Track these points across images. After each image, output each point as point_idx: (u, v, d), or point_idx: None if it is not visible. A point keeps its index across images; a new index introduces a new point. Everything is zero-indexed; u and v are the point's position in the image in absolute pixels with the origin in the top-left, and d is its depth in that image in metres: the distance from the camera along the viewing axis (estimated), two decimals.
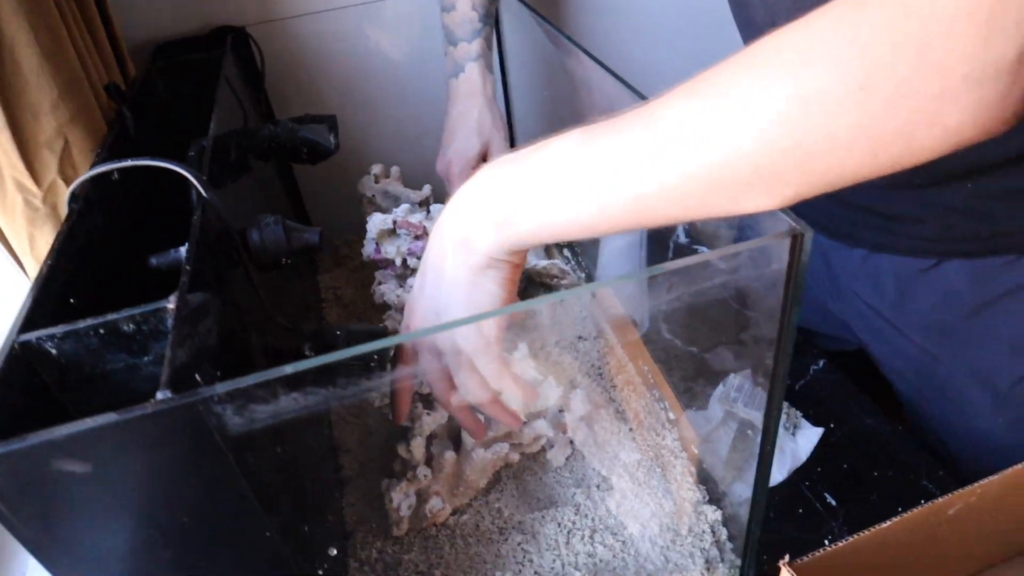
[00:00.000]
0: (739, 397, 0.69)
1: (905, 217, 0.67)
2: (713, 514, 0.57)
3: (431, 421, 0.59)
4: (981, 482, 0.47)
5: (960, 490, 0.46)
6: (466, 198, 0.44)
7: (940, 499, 0.46)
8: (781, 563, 0.44)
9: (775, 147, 0.33)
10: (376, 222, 0.73)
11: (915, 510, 0.46)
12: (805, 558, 0.44)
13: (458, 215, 0.44)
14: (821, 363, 0.74)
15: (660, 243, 0.95)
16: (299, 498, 0.43)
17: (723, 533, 0.57)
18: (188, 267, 0.43)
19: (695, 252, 0.99)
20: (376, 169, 0.83)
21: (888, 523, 0.45)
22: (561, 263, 0.76)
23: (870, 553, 0.46)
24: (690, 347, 0.76)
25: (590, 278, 0.82)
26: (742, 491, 0.62)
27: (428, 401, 0.61)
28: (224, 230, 0.52)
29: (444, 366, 0.49)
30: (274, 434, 0.39)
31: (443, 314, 0.46)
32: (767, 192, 0.35)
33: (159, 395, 0.33)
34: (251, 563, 0.38)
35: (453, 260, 0.44)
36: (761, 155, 0.33)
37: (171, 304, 0.40)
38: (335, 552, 0.44)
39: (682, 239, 1.03)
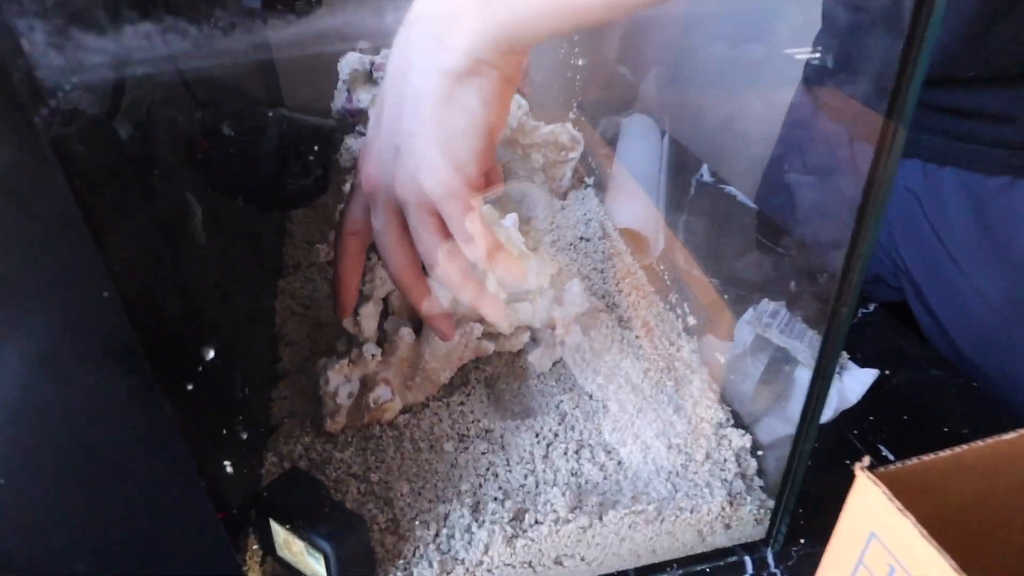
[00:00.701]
0: (773, 323, 0.56)
1: (987, 116, 0.55)
2: (740, 439, 0.44)
3: (388, 279, 0.46)
4: None
5: None
6: None
7: None
8: (857, 467, 0.31)
9: None
10: (351, 61, 0.60)
11: None
12: (890, 466, 0.31)
13: (429, 4, 0.33)
14: (872, 307, 0.62)
15: (682, 183, 0.83)
16: (154, 251, 0.30)
17: (751, 465, 0.43)
18: None
19: (721, 191, 0.86)
20: (362, 44, 0.70)
21: (1010, 435, 0.32)
22: (571, 129, 0.63)
23: (978, 475, 0.33)
24: (712, 277, 0.63)
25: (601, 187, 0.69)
26: (774, 426, 0.49)
27: None
28: None
29: (400, 216, 0.37)
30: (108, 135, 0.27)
31: (404, 146, 0.34)
32: None
33: None
34: (77, 315, 0.25)
35: (421, 67, 0.32)
36: None
37: None
38: (212, 355, 0.30)
39: (706, 177, 0.90)
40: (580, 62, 0.78)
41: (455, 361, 0.48)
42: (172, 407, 0.27)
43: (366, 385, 0.47)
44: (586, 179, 0.70)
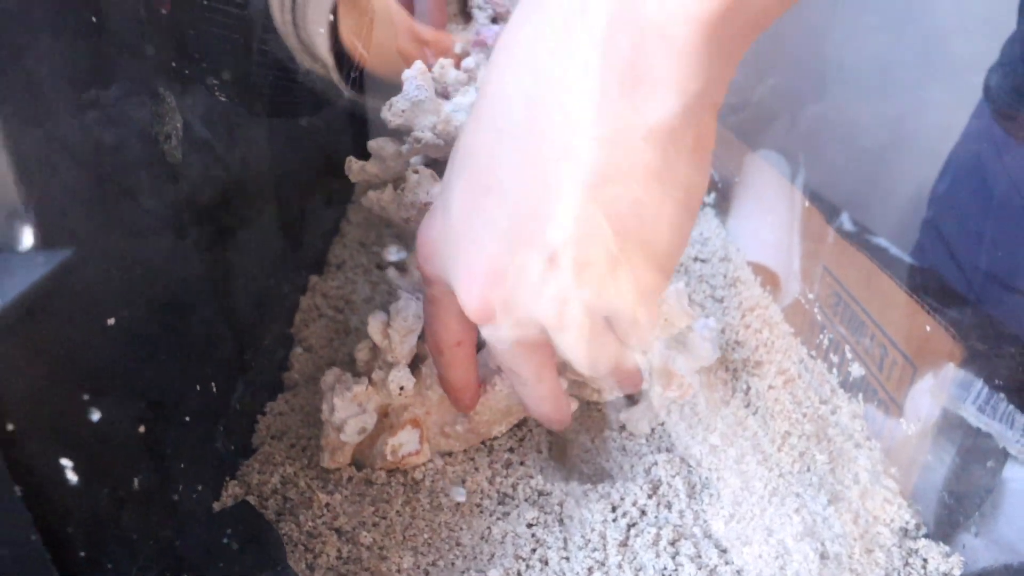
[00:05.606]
0: (968, 397, 0.40)
1: None
2: (942, 561, 0.28)
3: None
4: None
5: None
6: None
7: None
8: None
9: None
10: None
11: None
12: None
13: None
14: None
15: (816, 234, 0.68)
16: None
17: None
18: None
19: (867, 242, 0.70)
20: None
21: None
22: None
23: None
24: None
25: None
26: (974, 548, 0.32)
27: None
28: None
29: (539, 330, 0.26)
30: None
31: (573, 253, 0.22)
32: None
33: None
34: None
35: (599, 130, 0.20)
36: None
37: None
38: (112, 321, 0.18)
39: (847, 226, 0.73)
40: None
41: (514, 415, 0.34)
42: None
43: (385, 424, 0.33)
44: (703, 197, 0.56)
